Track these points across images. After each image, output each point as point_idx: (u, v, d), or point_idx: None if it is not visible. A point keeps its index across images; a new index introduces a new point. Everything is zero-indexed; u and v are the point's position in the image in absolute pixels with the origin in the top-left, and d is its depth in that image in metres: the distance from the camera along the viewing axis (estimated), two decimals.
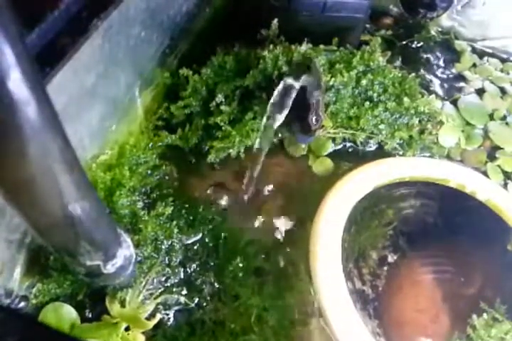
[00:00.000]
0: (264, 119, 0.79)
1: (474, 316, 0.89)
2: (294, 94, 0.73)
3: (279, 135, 0.96)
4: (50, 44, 0.54)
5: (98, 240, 0.54)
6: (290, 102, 0.73)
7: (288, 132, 0.92)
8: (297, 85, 0.72)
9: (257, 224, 0.91)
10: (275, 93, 0.71)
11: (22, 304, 0.68)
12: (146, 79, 0.84)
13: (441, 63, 1.20)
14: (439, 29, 1.23)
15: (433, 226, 1.02)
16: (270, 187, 0.96)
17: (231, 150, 0.89)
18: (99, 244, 0.55)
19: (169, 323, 0.78)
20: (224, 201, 0.92)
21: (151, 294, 0.76)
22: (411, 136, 1.00)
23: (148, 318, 0.75)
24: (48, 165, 0.41)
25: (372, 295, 0.92)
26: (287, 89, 0.72)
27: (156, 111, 0.91)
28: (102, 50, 0.63)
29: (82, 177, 0.46)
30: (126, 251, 0.62)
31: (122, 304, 0.73)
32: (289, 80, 0.71)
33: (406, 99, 0.97)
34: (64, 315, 0.72)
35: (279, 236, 0.91)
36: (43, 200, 0.44)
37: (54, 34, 0.54)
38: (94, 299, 0.75)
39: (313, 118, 0.81)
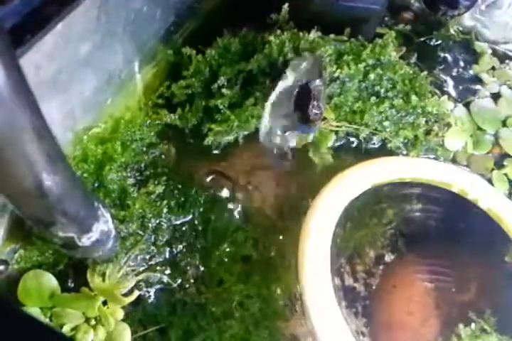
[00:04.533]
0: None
1: (461, 325, 0.90)
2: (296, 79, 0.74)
3: (281, 124, 0.97)
4: (35, 11, 0.56)
5: (71, 212, 0.55)
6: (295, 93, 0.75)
7: (289, 121, 0.93)
8: (300, 70, 0.73)
9: (249, 211, 0.93)
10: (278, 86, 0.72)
11: (1, 267, 0.71)
12: (147, 55, 0.86)
13: (458, 63, 1.21)
14: (460, 28, 1.24)
15: (433, 230, 1.04)
16: (267, 175, 0.97)
17: (229, 135, 0.91)
18: (73, 217, 0.57)
19: (150, 301, 0.81)
20: (218, 186, 0.94)
21: (133, 270, 0.79)
22: (416, 136, 1.02)
23: (127, 294, 0.78)
24: (15, 133, 0.42)
25: (364, 294, 0.94)
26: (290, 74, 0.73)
27: (157, 89, 0.93)
28: (98, 21, 0.66)
29: (53, 148, 0.48)
30: (103, 225, 0.64)
31: (103, 278, 0.76)
32: (290, 70, 0.72)
33: (414, 98, 0.99)
34: (44, 283, 0.75)
35: (270, 225, 0.92)
36: (11, 169, 0.45)
37: (40, 1, 0.56)
38: (76, 270, 0.78)
39: (313, 108, 0.82)
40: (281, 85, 0.82)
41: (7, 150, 0.44)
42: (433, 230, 1.03)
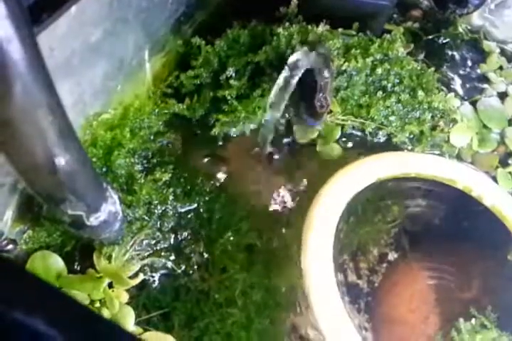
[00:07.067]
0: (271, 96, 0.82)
1: (461, 320, 0.91)
2: (302, 71, 0.76)
3: (287, 116, 0.99)
4: None
5: (80, 190, 0.58)
6: (296, 80, 0.77)
7: (295, 113, 0.96)
8: (306, 62, 0.75)
9: (254, 202, 0.95)
10: (285, 68, 0.75)
11: (10, 247, 0.74)
12: (156, 43, 0.89)
13: (465, 62, 1.23)
14: (468, 27, 1.26)
15: (437, 228, 1.05)
16: (273, 167, 0.99)
17: (236, 126, 0.93)
18: (82, 195, 0.59)
19: (154, 285, 0.83)
20: (224, 175, 0.96)
21: (138, 255, 0.81)
22: (422, 132, 1.03)
23: (132, 277, 0.80)
24: (30, 108, 0.44)
25: (366, 290, 0.96)
26: (296, 65, 0.75)
27: (166, 79, 0.96)
28: (110, 8, 0.69)
29: (66, 126, 0.50)
30: (111, 206, 0.66)
31: (109, 260, 0.78)
32: (299, 55, 0.74)
33: (421, 93, 1.00)
34: (51, 264, 0.77)
35: (275, 216, 0.94)
36: (25, 143, 0.47)
37: None
38: (83, 252, 0.80)
39: (320, 100, 0.84)
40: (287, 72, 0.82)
41: (22, 124, 0.46)
42: (436, 227, 1.05)
